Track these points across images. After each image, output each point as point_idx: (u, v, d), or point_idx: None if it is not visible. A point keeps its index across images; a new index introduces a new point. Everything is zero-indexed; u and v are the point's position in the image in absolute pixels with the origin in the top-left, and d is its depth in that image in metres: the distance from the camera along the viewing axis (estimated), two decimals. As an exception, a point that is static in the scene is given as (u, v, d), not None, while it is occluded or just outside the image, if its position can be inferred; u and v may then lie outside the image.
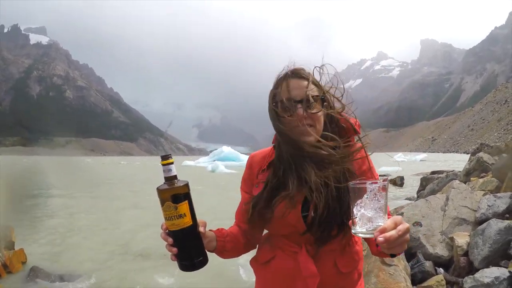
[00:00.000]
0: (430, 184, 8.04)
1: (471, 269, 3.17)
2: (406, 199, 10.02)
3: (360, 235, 0.82)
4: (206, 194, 12.15)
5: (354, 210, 0.83)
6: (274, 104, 1.09)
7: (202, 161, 40.06)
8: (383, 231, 0.75)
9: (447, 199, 4.20)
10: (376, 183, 0.81)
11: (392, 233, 0.73)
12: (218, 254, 1.13)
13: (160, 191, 0.93)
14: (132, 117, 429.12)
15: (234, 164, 32.38)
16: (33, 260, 4.91)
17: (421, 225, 3.80)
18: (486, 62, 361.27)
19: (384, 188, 0.81)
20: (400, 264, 3.16)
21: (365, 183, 0.82)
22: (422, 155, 52.98)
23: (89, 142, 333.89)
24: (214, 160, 36.65)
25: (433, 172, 13.23)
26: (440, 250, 3.61)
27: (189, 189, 0.95)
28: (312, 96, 1.05)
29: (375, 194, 0.80)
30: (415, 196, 9.69)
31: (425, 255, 3.57)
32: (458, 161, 30.92)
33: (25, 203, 10.51)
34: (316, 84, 1.08)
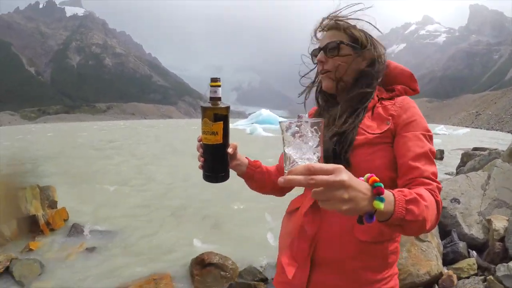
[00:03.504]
0: (471, 160, 7.58)
1: (506, 256, 2.98)
2: (445, 173, 9.63)
3: None
4: (245, 155, 12.52)
5: (285, 150, 0.72)
6: (310, 54, 1.15)
7: (241, 124, 40.11)
8: (290, 172, 0.63)
9: (489, 177, 3.93)
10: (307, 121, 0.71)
11: (296, 177, 0.61)
12: (245, 180, 1.20)
13: (202, 107, 1.03)
14: (171, 81, 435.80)
15: (272, 127, 32.12)
16: (75, 218, 5.21)
17: (458, 202, 3.60)
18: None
19: (306, 125, 0.70)
20: (433, 241, 3.03)
21: (291, 120, 0.72)
22: (465, 130, 50.22)
23: (130, 106, 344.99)
24: (253, 123, 36.52)
25: (475, 149, 12.44)
26: (476, 232, 3.42)
27: (228, 113, 1.04)
28: (334, 41, 1.05)
29: (302, 134, 0.70)
30: (454, 171, 9.25)
31: (459, 234, 3.41)
32: (502, 140, 28.94)
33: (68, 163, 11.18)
34: (348, 32, 1.05)
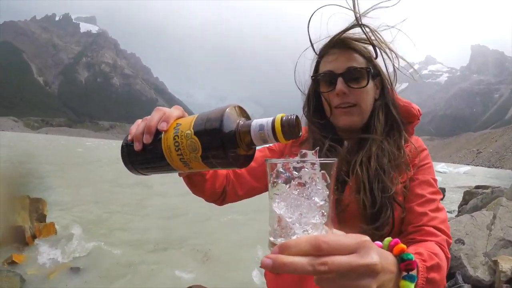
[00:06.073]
0: (474, 199, 7.44)
1: (514, 299, 2.81)
2: (448, 212, 9.48)
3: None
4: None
5: (274, 206, 0.43)
6: (313, 77, 0.93)
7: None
8: (283, 249, 0.39)
9: (494, 217, 3.79)
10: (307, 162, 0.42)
11: (296, 261, 0.38)
12: (184, 180, 0.88)
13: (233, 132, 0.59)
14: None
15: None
16: (63, 234, 5.03)
17: (463, 243, 3.45)
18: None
19: (312, 167, 0.42)
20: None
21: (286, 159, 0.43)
22: (466, 168, 50.22)
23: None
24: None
25: (477, 187, 12.31)
26: (481, 274, 3.25)
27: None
28: (358, 68, 0.85)
29: (303, 183, 0.41)
30: (456, 209, 9.08)
31: (464, 277, 3.23)
32: (504, 177, 28.77)
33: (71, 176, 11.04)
34: (366, 56, 0.88)
